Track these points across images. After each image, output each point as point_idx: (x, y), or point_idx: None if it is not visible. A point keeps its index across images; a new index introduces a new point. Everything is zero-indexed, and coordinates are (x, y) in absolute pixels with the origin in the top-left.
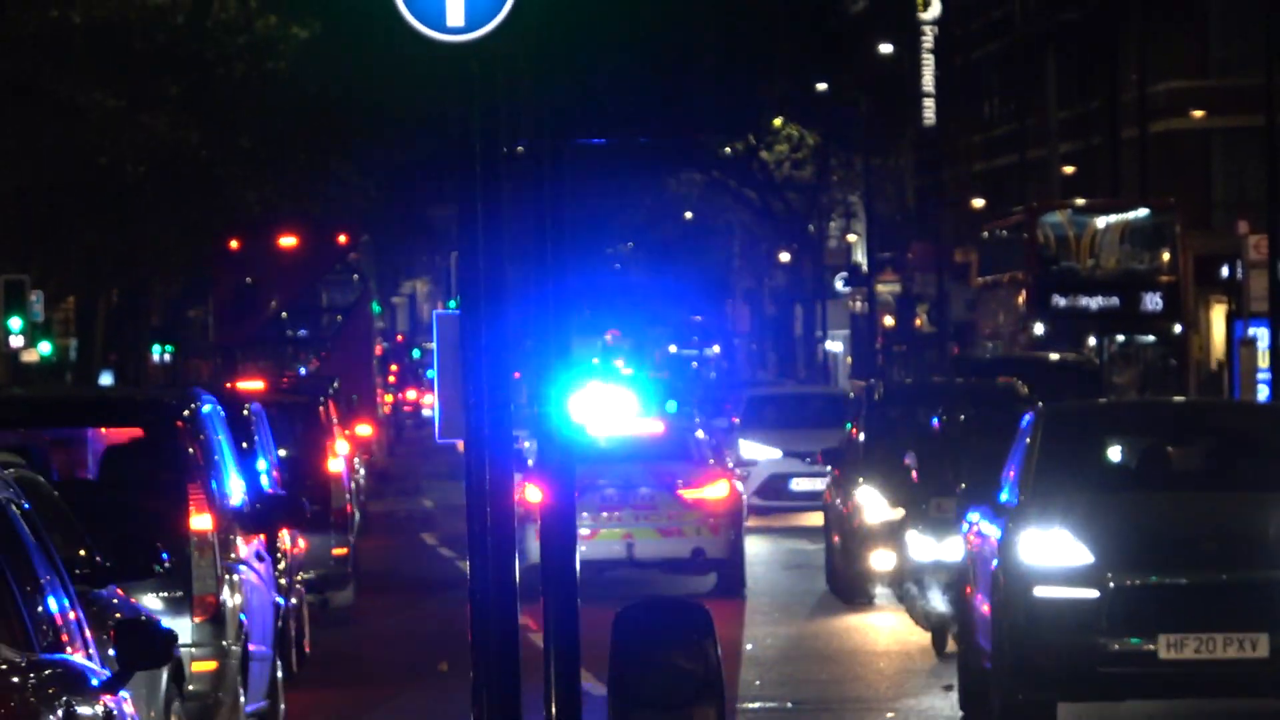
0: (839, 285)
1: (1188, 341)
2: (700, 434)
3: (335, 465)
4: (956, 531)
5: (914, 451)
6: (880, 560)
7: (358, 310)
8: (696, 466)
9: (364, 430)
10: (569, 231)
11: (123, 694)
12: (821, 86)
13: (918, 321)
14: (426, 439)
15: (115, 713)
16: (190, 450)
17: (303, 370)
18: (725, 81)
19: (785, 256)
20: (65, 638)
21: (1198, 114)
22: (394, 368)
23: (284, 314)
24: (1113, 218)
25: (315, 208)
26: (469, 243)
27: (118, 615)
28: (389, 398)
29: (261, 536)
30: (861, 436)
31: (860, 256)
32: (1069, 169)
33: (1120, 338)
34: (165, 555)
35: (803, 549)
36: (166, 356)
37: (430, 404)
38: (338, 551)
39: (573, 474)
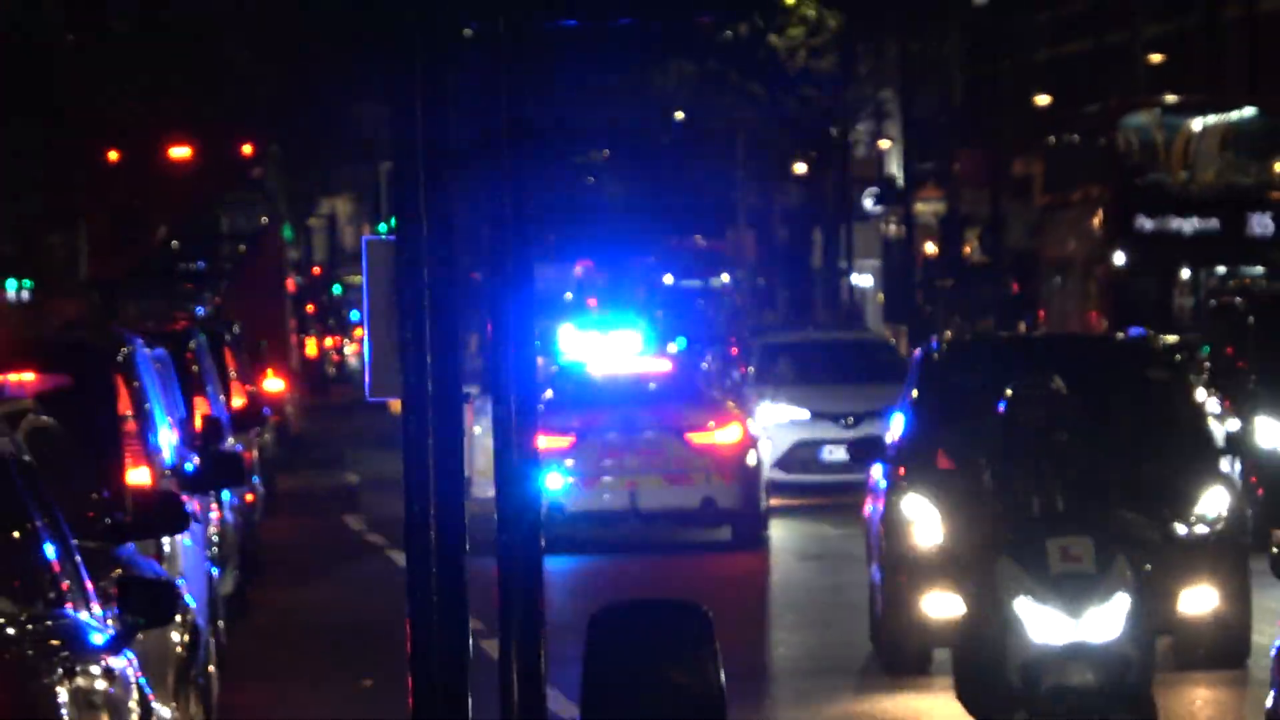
0: (868, 204)
1: None
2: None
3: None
4: (1100, 593)
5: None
6: (937, 605)
7: (265, 236)
8: (706, 408)
9: (274, 385)
10: (532, 136)
11: (127, 654)
12: None
13: (966, 249)
14: (351, 395)
15: (117, 672)
16: (124, 399)
17: (200, 310)
18: None
19: (801, 168)
20: (67, 594)
21: None
22: (310, 308)
23: (175, 242)
24: (1212, 119)
25: (211, 109)
26: (405, 151)
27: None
28: (313, 343)
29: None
30: (905, 420)
31: (895, 168)
32: (1157, 57)
33: (1220, 269)
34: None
35: (829, 534)
36: (24, 294)
37: (354, 352)
38: None
39: (535, 450)
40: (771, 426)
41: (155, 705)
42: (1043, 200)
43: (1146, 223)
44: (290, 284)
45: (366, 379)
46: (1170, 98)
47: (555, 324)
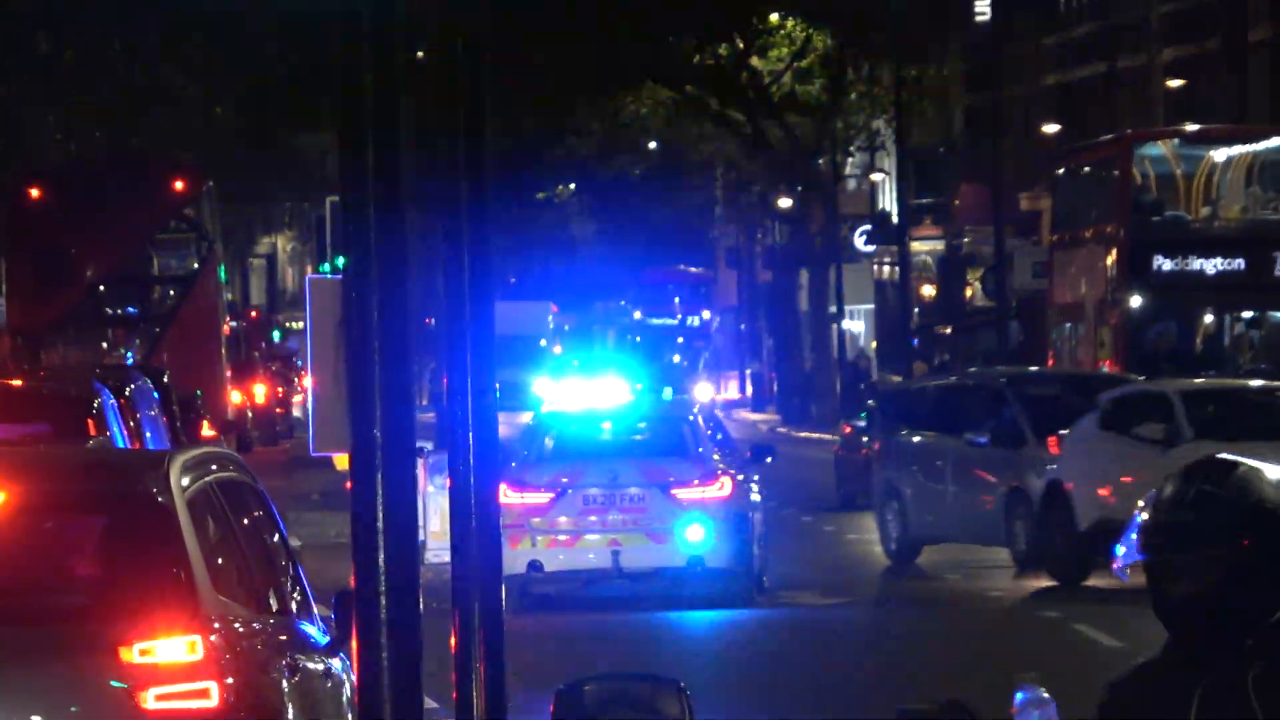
0: (860, 243)
1: None
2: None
3: None
4: None
5: None
6: None
7: (199, 279)
8: (693, 463)
9: (208, 437)
10: (490, 168)
11: (342, 656)
12: None
13: (968, 292)
14: (295, 449)
15: (335, 672)
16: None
17: (130, 357)
18: None
19: (786, 203)
20: (292, 604)
21: None
22: (255, 353)
23: (102, 286)
24: (1236, 150)
25: (142, 140)
26: (354, 184)
27: None
28: (262, 388)
29: None
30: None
31: (889, 204)
32: (1175, 83)
33: (1246, 313)
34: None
35: (821, 601)
36: None
37: (297, 402)
38: None
39: (495, 511)
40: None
41: None
42: (1051, 239)
43: (1165, 263)
44: (226, 329)
45: (311, 431)
46: (1190, 127)
47: (525, 372)
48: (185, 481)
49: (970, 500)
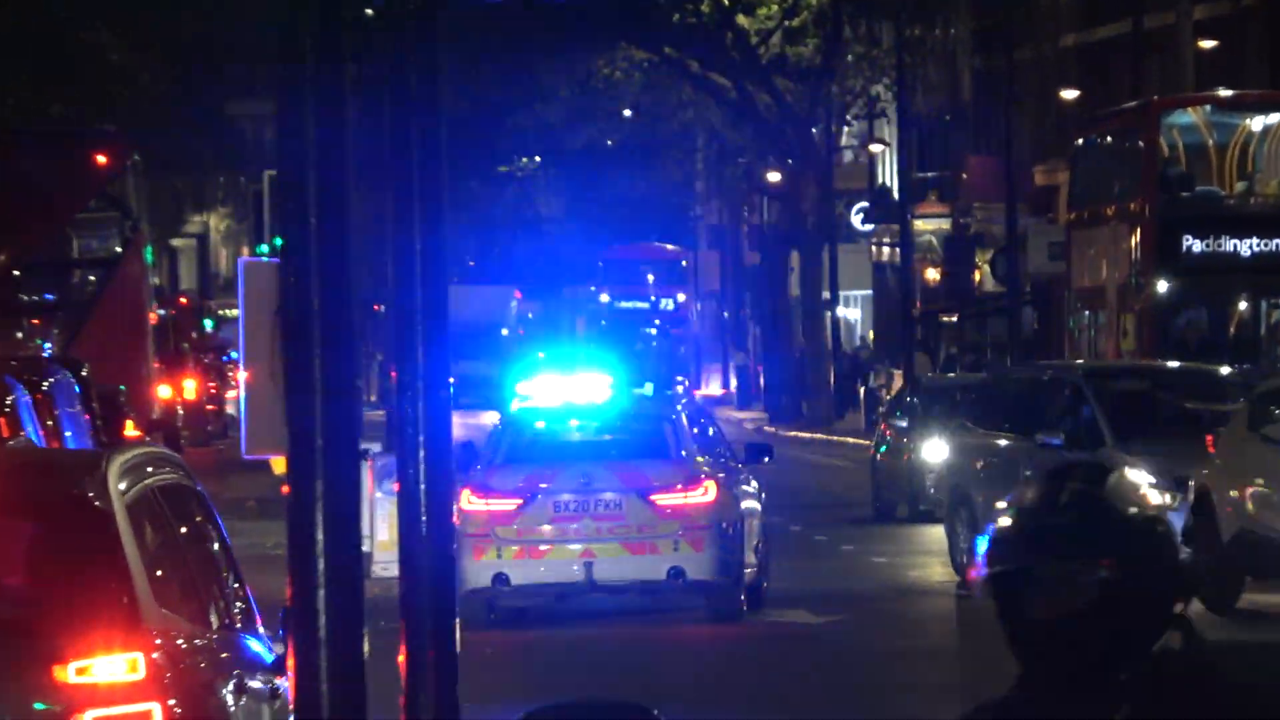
0: (857, 222)
1: None
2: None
3: None
4: None
5: None
6: None
7: (124, 263)
8: (675, 465)
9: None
10: (447, 137)
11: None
12: None
13: (976, 276)
14: (229, 450)
15: (282, 692)
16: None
17: (48, 348)
18: None
19: (775, 177)
20: (239, 617)
21: None
22: (186, 344)
23: (16, 271)
24: (1274, 118)
25: (59, 107)
26: (293, 156)
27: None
28: (192, 383)
29: None
30: None
31: (889, 178)
32: (1208, 44)
33: None
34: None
35: (810, 620)
36: None
37: (231, 398)
38: None
39: (449, 521)
40: None
41: None
42: (1069, 217)
43: (1195, 244)
44: (152, 317)
45: (243, 431)
46: (1223, 92)
47: (485, 364)
48: (124, 485)
49: None
